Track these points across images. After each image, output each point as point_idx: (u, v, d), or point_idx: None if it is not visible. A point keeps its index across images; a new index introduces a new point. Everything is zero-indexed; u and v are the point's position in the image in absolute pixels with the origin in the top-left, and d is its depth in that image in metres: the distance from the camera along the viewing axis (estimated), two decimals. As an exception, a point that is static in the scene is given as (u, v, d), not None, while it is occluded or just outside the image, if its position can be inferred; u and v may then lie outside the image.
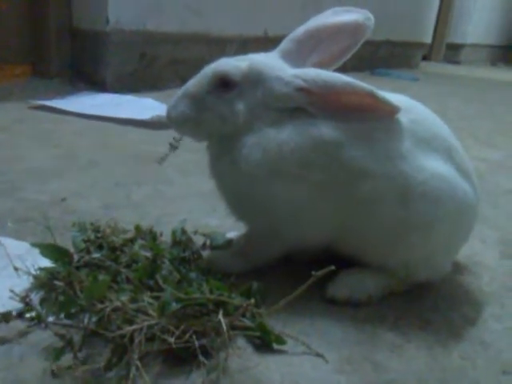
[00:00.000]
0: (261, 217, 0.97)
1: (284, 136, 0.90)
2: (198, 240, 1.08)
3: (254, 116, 0.93)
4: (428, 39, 6.31)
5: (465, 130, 2.46)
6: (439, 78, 5.41)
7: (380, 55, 5.25)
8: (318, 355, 0.81)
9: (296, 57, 0.98)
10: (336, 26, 0.99)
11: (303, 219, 0.94)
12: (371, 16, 1.00)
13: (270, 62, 0.96)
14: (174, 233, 1.05)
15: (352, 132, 0.90)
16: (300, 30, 0.99)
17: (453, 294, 1.04)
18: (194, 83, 0.97)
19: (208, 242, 1.10)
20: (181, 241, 1.03)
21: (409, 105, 0.96)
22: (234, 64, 0.95)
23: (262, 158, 0.90)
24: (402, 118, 0.92)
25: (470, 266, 1.17)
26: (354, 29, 1.00)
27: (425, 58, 6.77)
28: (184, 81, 1.00)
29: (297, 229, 0.95)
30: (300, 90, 0.90)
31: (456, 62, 7.68)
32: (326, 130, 0.90)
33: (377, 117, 0.91)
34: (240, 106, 0.93)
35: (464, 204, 0.94)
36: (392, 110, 0.90)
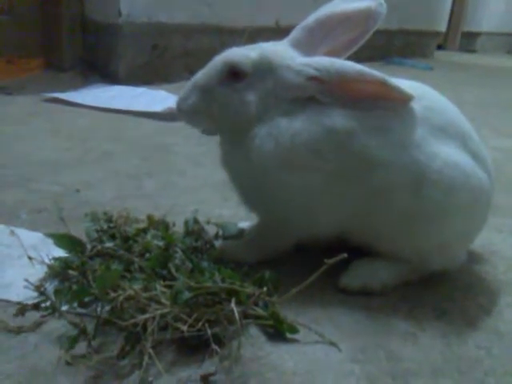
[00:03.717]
0: (273, 207, 0.96)
1: (296, 126, 0.89)
2: (211, 230, 1.08)
3: (266, 107, 0.92)
4: (443, 28, 6.22)
5: (481, 118, 2.41)
6: (455, 66, 5.33)
7: (394, 44, 5.19)
8: (332, 344, 0.80)
9: (307, 46, 0.96)
10: (347, 13, 0.97)
11: (316, 209, 0.93)
12: (383, 2, 0.98)
13: (280, 50, 0.94)
14: (186, 223, 1.05)
15: (365, 121, 0.89)
16: (311, 19, 0.97)
17: (468, 284, 1.03)
18: (203, 74, 0.96)
19: (220, 232, 1.10)
20: (193, 230, 1.03)
21: (423, 92, 0.95)
22: (243, 53, 0.94)
23: (274, 148, 0.89)
24: (416, 105, 0.90)
25: (486, 255, 1.15)
26: (367, 16, 0.97)
27: (440, 47, 6.68)
28: (195, 72, 0.99)
29: (309, 218, 0.95)
30: (312, 79, 0.89)
31: (472, 51, 7.56)
32: (338, 120, 0.88)
33: (389, 105, 0.89)
34: (251, 97, 0.92)
35: (479, 192, 0.93)
36: (405, 98, 0.89)
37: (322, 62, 0.90)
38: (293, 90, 0.91)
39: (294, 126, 0.89)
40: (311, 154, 0.89)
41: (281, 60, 0.92)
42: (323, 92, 0.89)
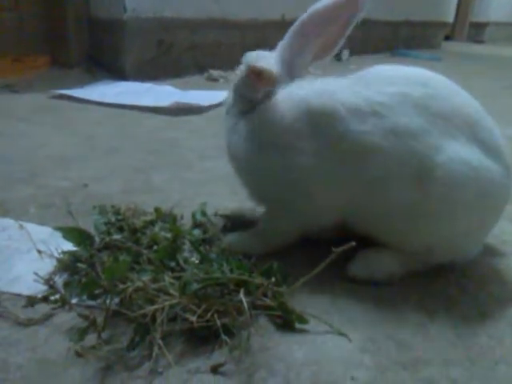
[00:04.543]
0: (274, 193, 0.97)
1: (276, 111, 0.92)
2: (219, 222, 1.08)
3: (234, 101, 1.01)
4: (450, 18, 6.17)
5: (492, 108, 2.38)
6: (463, 57, 5.28)
7: (401, 36, 5.15)
8: (341, 334, 0.80)
9: (293, 50, 0.97)
10: (328, 7, 0.95)
11: (315, 192, 0.93)
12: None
13: (263, 55, 0.98)
14: (194, 215, 1.05)
15: (348, 103, 0.89)
16: (296, 23, 0.97)
17: (479, 274, 1.02)
18: None
19: (228, 224, 1.09)
20: (201, 223, 1.03)
21: (426, 78, 0.92)
22: None
23: (259, 132, 0.94)
24: (415, 92, 0.88)
25: (498, 245, 1.14)
26: (348, 4, 0.95)
27: (447, 38, 6.62)
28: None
29: (310, 202, 0.94)
30: (243, 75, 0.95)
31: (480, 41, 7.49)
32: (314, 102, 0.90)
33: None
34: (229, 94, 1.04)
35: (489, 186, 0.89)
36: (267, 79, 0.90)
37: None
38: (239, 87, 0.98)
39: (272, 111, 0.92)
40: (292, 134, 0.91)
41: (247, 62, 0.96)
42: (244, 87, 0.96)
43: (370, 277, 0.94)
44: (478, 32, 7.70)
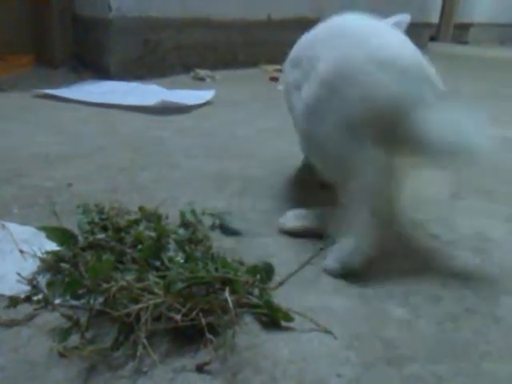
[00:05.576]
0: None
1: None
2: (207, 221, 1.08)
3: None
4: (435, 19, 6.21)
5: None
6: (449, 58, 5.32)
7: (386, 37, 5.18)
8: (327, 332, 0.80)
9: None
10: None
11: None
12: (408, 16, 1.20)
13: None
14: (182, 214, 1.04)
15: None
16: None
17: (463, 270, 1.02)
18: None
19: (217, 223, 1.09)
20: (189, 222, 1.02)
21: (351, 23, 1.10)
22: None
23: None
24: (331, 33, 1.08)
25: (481, 242, 1.15)
26: None
27: (432, 39, 6.67)
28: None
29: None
30: None
31: (464, 42, 7.56)
32: None
33: None
34: None
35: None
36: None
37: None
38: None
39: None
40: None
41: None
42: None
43: (343, 267, 0.93)
44: (462, 33, 7.77)
